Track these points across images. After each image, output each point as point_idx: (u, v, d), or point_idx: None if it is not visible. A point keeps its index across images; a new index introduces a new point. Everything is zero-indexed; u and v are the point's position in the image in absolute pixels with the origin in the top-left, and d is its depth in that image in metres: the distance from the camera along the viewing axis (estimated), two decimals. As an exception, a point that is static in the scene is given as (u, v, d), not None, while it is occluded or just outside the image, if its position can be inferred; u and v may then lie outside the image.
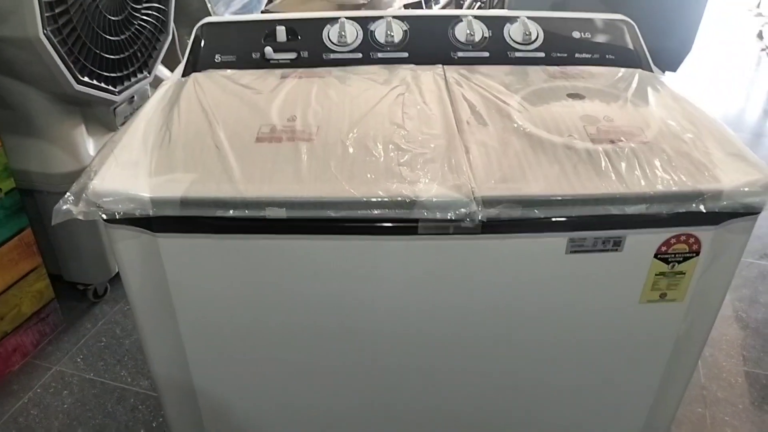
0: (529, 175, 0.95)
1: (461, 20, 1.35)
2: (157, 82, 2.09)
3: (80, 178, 0.96)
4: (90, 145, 1.94)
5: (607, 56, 1.33)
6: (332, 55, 1.32)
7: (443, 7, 2.08)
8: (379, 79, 1.23)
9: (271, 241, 0.98)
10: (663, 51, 1.63)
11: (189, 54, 1.31)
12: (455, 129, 1.06)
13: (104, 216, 0.92)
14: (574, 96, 1.17)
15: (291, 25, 1.34)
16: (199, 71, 1.28)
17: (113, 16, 1.83)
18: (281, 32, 1.32)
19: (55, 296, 1.97)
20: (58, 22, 1.63)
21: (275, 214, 0.91)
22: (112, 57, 1.87)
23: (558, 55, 1.32)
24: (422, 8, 2.03)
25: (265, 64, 1.30)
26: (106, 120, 1.99)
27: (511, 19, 1.35)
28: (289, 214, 0.91)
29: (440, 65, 1.30)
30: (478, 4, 2.52)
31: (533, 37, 1.33)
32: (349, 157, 0.99)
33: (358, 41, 1.33)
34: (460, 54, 1.32)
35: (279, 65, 1.30)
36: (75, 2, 1.66)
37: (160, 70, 2.20)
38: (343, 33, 1.32)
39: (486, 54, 1.32)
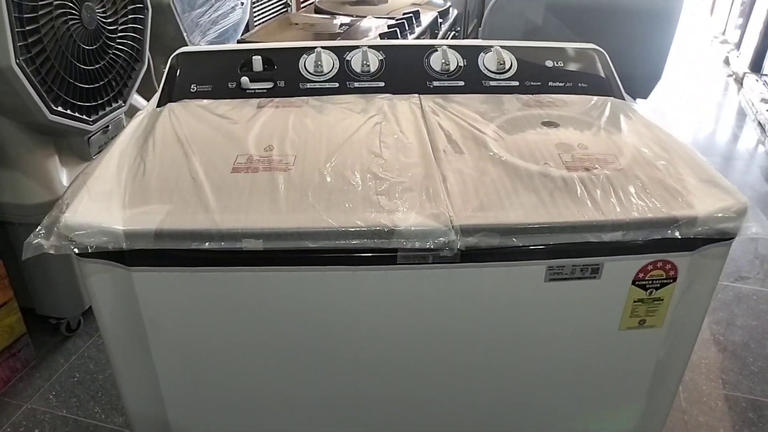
0: (506, 203, 0.96)
1: (436, 50, 1.36)
2: (132, 112, 2.06)
3: (52, 211, 0.95)
4: (63, 176, 1.91)
5: (579, 84, 1.35)
6: (309, 85, 1.32)
7: (418, 37, 2.11)
8: (356, 109, 1.24)
9: (248, 273, 0.96)
10: (634, 78, 1.66)
11: (164, 84, 1.31)
12: (432, 157, 1.07)
13: (76, 250, 0.90)
14: (549, 124, 1.18)
15: (267, 55, 1.34)
16: (175, 101, 1.28)
17: (87, 45, 1.81)
18: (257, 62, 1.32)
19: (26, 331, 1.91)
20: (31, 52, 1.61)
21: (252, 246, 0.90)
22: (86, 86, 1.85)
23: (531, 83, 1.34)
24: (398, 38, 2.06)
25: (241, 93, 1.30)
26: (80, 150, 1.96)
27: (486, 49, 1.37)
28: (266, 246, 0.90)
29: (416, 94, 1.31)
30: (453, 33, 2.56)
31: (507, 66, 1.35)
32: (327, 186, 0.99)
33: (335, 71, 1.33)
34: (436, 83, 1.34)
35: (255, 95, 1.30)
36: (48, 31, 1.65)
37: (136, 99, 2.19)
38: (319, 63, 1.32)
39: (461, 83, 1.34)
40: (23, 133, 1.79)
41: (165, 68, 1.34)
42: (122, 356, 1.07)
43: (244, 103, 1.26)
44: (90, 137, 1.96)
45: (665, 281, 1.02)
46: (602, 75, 1.38)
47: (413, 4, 2.83)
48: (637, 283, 1.01)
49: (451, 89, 1.33)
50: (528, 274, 0.99)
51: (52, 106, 1.72)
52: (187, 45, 2.37)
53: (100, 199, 0.95)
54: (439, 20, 2.52)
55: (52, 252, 0.90)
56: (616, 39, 1.79)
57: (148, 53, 2.14)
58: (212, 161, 1.04)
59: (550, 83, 1.34)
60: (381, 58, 1.35)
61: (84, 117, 1.87)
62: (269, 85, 1.31)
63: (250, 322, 1.01)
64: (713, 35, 5.97)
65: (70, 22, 1.73)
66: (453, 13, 2.64)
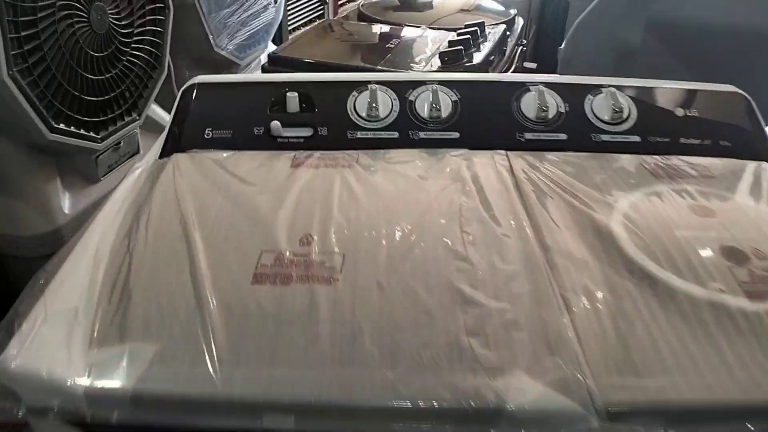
0: (668, 357, 0.62)
1: (529, 89, 1.03)
2: (149, 124, 1.80)
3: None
4: (66, 202, 1.64)
5: (720, 143, 1.00)
6: (359, 134, 0.99)
7: (488, 57, 1.76)
8: (424, 173, 0.91)
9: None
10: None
11: (171, 125, 1.00)
12: (542, 264, 0.74)
13: (20, 413, 0.60)
14: (700, 209, 0.84)
15: (305, 91, 1.02)
16: (184, 150, 0.97)
17: (97, 52, 1.53)
18: (293, 100, 1.00)
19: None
20: (27, 61, 1.33)
21: (278, 424, 0.58)
22: (94, 99, 1.57)
23: (658, 139, 1.00)
24: (463, 58, 1.71)
25: (271, 143, 0.99)
26: (85, 170, 1.69)
27: (594, 90, 1.03)
28: (299, 426, 0.58)
29: (503, 151, 0.98)
30: (520, 49, 2.20)
31: (625, 115, 1.01)
32: (391, 314, 0.66)
33: (394, 115, 1.01)
34: (529, 135, 1.00)
35: (289, 145, 0.98)
36: (50, 37, 1.37)
37: (153, 110, 1.90)
38: (374, 104, 1.00)
39: (563, 136, 1.00)
40: (19, 154, 1.52)
41: (187, 73, 1.04)
42: None
43: (274, 158, 0.94)
44: (98, 156, 1.68)
45: None
46: (749, 128, 1.03)
47: (462, 10, 2.47)
48: None
49: (549, 144, 0.99)
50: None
51: (53, 123, 1.45)
52: (212, 49, 2.11)
53: (59, 323, 0.64)
54: (507, 33, 2.14)
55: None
56: (744, 73, 1.38)
57: (168, 58, 1.86)
58: (225, 260, 0.72)
59: (682, 139, 1.00)
60: (455, 98, 1.02)
61: (91, 134, 1.59)
62: (308, 132, 0.99)
63: None
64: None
65: (77, 26, 1.44)
66: (519, 22, 2.28)
